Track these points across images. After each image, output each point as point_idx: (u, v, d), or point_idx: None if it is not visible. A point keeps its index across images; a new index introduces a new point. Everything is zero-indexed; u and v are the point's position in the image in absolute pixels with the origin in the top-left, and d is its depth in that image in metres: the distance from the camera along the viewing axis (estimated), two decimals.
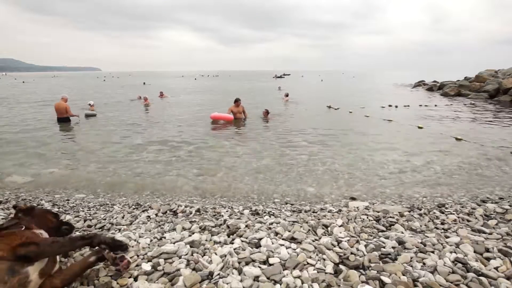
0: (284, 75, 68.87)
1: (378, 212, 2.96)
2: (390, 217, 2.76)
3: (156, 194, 3.97)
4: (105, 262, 1.74)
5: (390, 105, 13.61)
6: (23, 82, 45.50)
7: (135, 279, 1.67)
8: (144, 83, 35.46)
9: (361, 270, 1.74)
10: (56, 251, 1.55)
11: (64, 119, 9.32)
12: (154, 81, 44.03)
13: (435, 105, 13.64)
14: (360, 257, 1.87)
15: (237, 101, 10.08)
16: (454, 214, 2.87)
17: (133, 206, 3.33)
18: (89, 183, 4.41)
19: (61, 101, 9.48)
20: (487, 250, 1.95)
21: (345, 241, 2.08)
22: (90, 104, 12.47)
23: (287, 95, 15.95)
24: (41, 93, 22.93)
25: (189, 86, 31.14)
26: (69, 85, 35.29)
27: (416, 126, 8.34)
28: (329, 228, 2.40)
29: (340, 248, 2.00)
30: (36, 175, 4.75)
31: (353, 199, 3.72)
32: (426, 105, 13.62)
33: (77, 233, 1.97)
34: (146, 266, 1.76)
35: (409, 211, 2.99)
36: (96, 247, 1.69)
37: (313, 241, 2.12)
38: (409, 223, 2.61)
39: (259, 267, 1.76)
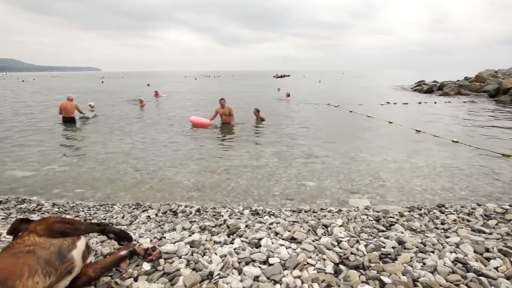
0: (284, 75, 69.04)
1: (378, 212, 2.96)
2: (390, 217, 2.76)
3: (155, 194, 3.97)
4: (137, 256, 1.80)
5: (388, 102, 13.84)
6: (23, 81, 46.16)
7: (135, 279, 1.67)
8: (148, 85, 35.43)
9: (361, 270, 1.74)
10: (84, 231, 1.65)
11: (70, 119, 9.32)
12: (157, 81, 44.00)
13: (435, 102, 13.71)
14: (360, 257, 1.87)
15: (221, 100, 8.99)
16: (454, 214, 2.87)
17: (133, 206, 3.33)
18: (89, 183, 4.41)
19: (68, 101, 9.49)
20: (487, 250, 1.95)
21: (345, 241, 2.08)
22: (90, 105, 12.42)
23: (288, 95, 16.26)
24: (42, 92, 22.93)
25: (198, 90, 31.08)
26: (66, 86, 35.23)
27: (415, 129, 8.34)
28: (329, 228, 2.40)
29: (340, 248, 2.00)
30: (36, 170, 4.77)
31: (353, 199, 3.72)
32: (425, 102, 13.70)
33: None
34: (146, 266, 1.76)
35: (409, 211, 2.99)
36: (111, 236, 1.82)
37: (313, 241, 2.12)
38: (409, 223, 2.61)
39: (259, 267, 1.76)
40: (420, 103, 13.66)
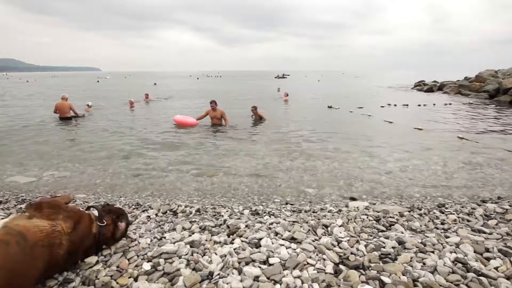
0: (284, 75, 69.31)
1: (378, 212, 2.96)
2: (390, 217, 2.76)
3: (156, 195, 3.97)
4: None
5: (389, 104, 13.73)
6: (27, 81, 46.52)
7: (135, 279, 1.67)
8: (155, 84, 35.55)
9: (361, 270, 1.74)
10: None
11: (66, 119, 9.30)
12: (166, 81, 43.97)
13: (434, 104, 13.66)
14: (360, 257, 1.87)
15: (211, 104, 8.70)
16: (454, 214, 2.87)
17: (133, 206, 3.33)
18: (89, 183, 4.41)
19: (63, 101, 9.45)
20: (487, 250, 1.95)
21: (345, 241, 2.09)
22: (88, 105, 12.32)
23: (287, 95, 16.12)
24: (44, 92, 22.94)
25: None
26: (64, 87, 35.17)
27: (417, 128, 8.32)
28: (329, 228, 2.40)
29: (340, 248, 2.00)
30: (37, 176, 4.75)
31: (353, 199, 3.71)
32: (425, 105, 13.65)
33: None
34: (146, 266, 1.76)
35: (409, 211, 2.99)
36: None
37: (313, 241, 2.12)
38: (409, 223, 2.61)
39: (259, 267, 1.76)
40: (419, 105, 13.59)
